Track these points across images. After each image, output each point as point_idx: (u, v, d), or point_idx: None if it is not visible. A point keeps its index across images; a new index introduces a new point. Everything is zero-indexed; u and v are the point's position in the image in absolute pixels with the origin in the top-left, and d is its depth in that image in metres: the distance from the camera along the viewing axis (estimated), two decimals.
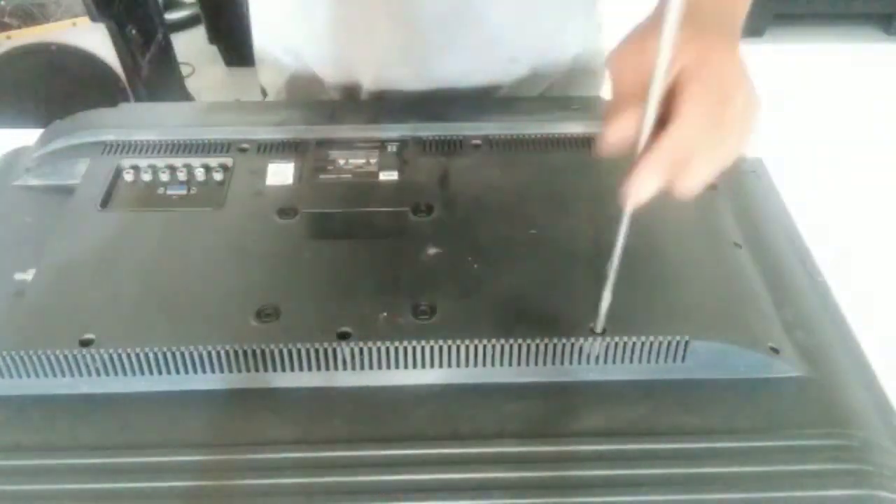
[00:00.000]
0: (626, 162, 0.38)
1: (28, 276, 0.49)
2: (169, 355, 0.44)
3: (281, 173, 0.58)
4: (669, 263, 0.51)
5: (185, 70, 2.21)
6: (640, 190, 0.38)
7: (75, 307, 0.47)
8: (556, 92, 0.76)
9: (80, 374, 0.45)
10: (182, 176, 0.58)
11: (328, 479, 0.40)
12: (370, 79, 0.71)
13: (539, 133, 0.62)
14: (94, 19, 1.66)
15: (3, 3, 1.61)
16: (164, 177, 0.58)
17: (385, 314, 0.46)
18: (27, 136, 0.66)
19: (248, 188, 0.56)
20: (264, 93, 0.81)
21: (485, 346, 0.45)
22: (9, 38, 1.64)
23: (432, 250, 0.51)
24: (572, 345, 0.45)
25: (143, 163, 0.59)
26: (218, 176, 0.58)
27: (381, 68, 0.70)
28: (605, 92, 0.74)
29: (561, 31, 0.73)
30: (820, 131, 1.65)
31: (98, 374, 0.45)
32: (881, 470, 0.41)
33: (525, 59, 0.72)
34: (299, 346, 0.44)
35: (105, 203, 0.55)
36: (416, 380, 0.45)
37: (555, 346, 0.45)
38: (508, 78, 0.72)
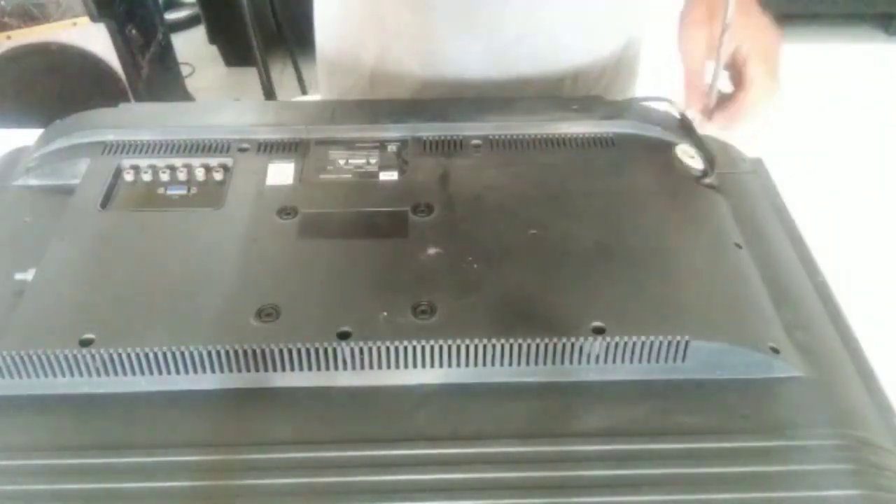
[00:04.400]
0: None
1: (28, 276, 0.49)
2: (169, 355, 0.44)
3: (281, 173, 0.58)
4: (670, 263, 0.50)
5: (185, 70, 2.22)
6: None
7: (75, 307, 0.47)
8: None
9: (80, 374, 0.44)
10: (182, 176, 0.58)
11: (328, 479, 0.40)
12: (374, 60, 0.71)
13: (539, 133, 0.62)
14: (94, 19, 1.66)
15: (3, 3, 1.61)
16: (164, 177, 0.57)
17: (385, 314, 0.46)
18: (27, 136, 0.66)
19: (248, 188, 0.56)
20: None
21: (485, 346, 0.45)
22: (9, 38, 1.64)
23: (432, 250, 0.51)
24: (572, 345, 0.45)
25: (143, 163, 0.58)
26: (218, 176, 0.58)
27: (386, 50, 0.70)
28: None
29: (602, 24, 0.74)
30: (820, 131, 1.65)
31: (98, 374, 0.44)
32: (881, 470, 0.41)
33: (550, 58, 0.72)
34: (299, 345, 0.44)
35: (105, 203, 0.55)
36: (416, 380, 0.45)
37: (555, 345, 0.45)
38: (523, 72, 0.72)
